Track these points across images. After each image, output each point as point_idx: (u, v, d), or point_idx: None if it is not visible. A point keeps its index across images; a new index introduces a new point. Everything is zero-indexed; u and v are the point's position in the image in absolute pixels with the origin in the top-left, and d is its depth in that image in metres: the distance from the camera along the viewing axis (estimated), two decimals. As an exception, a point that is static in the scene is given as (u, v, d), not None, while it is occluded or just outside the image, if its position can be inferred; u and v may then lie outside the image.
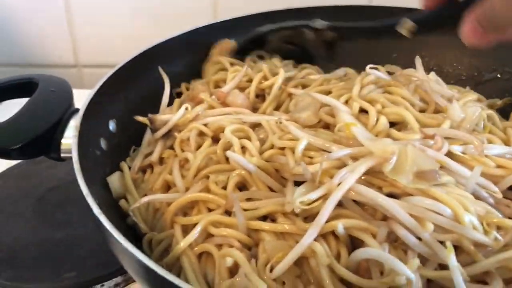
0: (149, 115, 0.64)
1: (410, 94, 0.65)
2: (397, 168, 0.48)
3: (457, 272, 0.43)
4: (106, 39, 1.09)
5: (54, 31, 1.10)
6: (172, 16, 1.06)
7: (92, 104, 0.59)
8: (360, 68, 0.72)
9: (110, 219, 0.44)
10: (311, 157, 0.55)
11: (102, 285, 0.64)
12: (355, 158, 0.52)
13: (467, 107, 0.63)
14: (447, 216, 0.46)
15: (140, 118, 0.67)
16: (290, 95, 0.70)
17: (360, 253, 0.45)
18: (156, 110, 0.70)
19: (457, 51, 0.82)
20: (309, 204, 0.48)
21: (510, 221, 0.48)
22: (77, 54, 1.13)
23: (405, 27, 0.66)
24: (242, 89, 0.70)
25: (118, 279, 0.65)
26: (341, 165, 0.51)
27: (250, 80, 0.71)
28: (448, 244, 0.44)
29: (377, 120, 0.60)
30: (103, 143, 0.60)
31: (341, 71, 0.77)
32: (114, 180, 0.59)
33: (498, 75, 0.79)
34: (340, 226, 0.47)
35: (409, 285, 0.43)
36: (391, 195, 0.48)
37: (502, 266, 0.45)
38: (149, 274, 0.41)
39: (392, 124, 0.62)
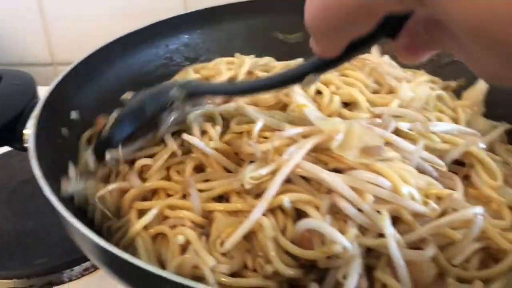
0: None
1: (364, 76, 0.68)
2: (344, 145, 0.51)
3: (391, 239, 0.45)
4: (81, 37, 1.10)
5: (28, 30, 1.12)
6: (146, 11, 1.08)
7: (53, 95, 0.61)
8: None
9: (68, 205, 0.46)
10: (266, 137, 0.57)
11: (72, 270, 0.67)
12: (306, 136, 0.54)
13: (417, 87, 0.66)
14: (387, 188, 0.48)
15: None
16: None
17: (301, 225, 0.48)
18: (117, 102, 0.72)
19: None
20: (258, 179, 0.50)
21: (448, 190, 0.51)
22: (53, 53, 1.15)
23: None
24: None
25: (87, 264, 0.67)
26: (293, 143, 0.54)
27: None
28: (384, 212, 0.46)
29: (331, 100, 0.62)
30: (64, 132, 0.62)
31: (300, 60, 0.80)
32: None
33: (456, 58, 0.81)
34: (286, 200, 0.49)
35: (346, 253, 0.45)
36: (337, 171, 0.51)
37: (437, 233, 0.48)
38: (100, 251, 0.43)
39: (346, 105, 0.64)
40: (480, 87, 0.74)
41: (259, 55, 0.82)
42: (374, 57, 0.72)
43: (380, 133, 0.54)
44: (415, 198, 0.49)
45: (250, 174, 0.51)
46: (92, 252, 0.45)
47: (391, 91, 0.67)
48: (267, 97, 0.64)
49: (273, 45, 0.88)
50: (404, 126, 0.57)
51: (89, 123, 0.66)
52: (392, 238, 0.45)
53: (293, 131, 0.54)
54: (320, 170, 0.50)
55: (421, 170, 0.53)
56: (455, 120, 0.65)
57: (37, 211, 0.75)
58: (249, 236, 0.49)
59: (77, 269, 0.67)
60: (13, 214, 0.75)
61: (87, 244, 0.45)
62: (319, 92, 0.65)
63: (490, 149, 0.63)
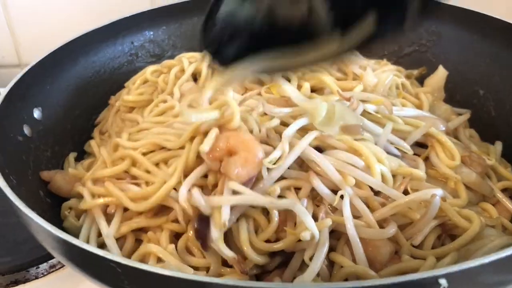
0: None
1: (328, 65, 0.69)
2: (326, 122, 0.53)
3: (348, 220, 0.47)
4: (48, 38, 1.09)
5: (-5, 32, 1.10)
6: (114, 7, 1.07)
7: (14, 91, 0.61)
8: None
9: (22, 195, 0.46)
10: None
11: (37, 267, 0.66)
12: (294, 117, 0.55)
13: (381, 74, 0.68)
14: (360, 168, 0.50)
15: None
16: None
17: (279, 204, 0.48)
18: (81, 100, 0.73)
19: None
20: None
21: (411, 169, 0.53)
22: (20, 54, 1.13)
23: None
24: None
25: (53, 261, 0.67)
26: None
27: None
28: (344, 194, 0.48)
29: (301, 86, 0.63)
30: (26, 130, 0.62)
31: None
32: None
33: (416, 48, 0.83)
34: (278, 189, 0.49)
35: (312, 240, 0.46)
36: (318, 149, 0.52)
37: (397, 213, 0.49)
38: (60, 244, 0.43)
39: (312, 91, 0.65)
40: (441, 74, 0.77)
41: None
42: None
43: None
44: (386, 178, 0.51)
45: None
46: (52, 245, 0.45)
47: (355, 79, 0.68)
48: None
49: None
50: (370, 108, 0.58)
51: (53, 123, 0.66)
52: (348, 218, 0.47)
53: (285, 110, 0.56)
54: (313, 152, 0.51)
55: (387, 152, 0.54)
56: (419, 106, 0.67)
57: (3, 210, 0.73)
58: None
59: (43, 266, 0.66)
60: (-24, 214, 0.74)
61: (48, 239, 0.45)
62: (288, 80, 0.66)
63: (455, 136, 0.65)
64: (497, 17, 0.72)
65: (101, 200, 0.54)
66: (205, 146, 0.50)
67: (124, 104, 0.73)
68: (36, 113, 0.65)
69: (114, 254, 0.40)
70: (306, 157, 0.51)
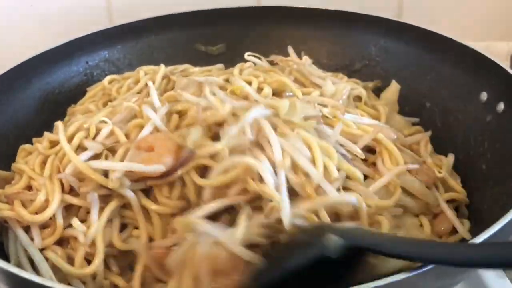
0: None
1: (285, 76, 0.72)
2: (290, 113, 0.56)
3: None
4: (6, 51, 1.07)
5: None
6: (68, 22, 1.05)
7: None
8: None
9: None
10: None
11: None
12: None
13: (339, 84, 0.71)
14: (307, 157, 0.52)
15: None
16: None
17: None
18: (37, 122, 0.72)
19: (330, 44, 0.89)
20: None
21: (352, 167, 0.55)
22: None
23: None
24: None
25: None
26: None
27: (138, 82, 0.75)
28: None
29: (261, 89, 0.66)
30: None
31: (220, 65, 0.85)
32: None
33: (367, 62, 0.87)
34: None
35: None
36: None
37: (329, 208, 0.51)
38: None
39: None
40: (394, 88, 0.80)
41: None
42: (294, 58, 0.76)
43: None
44: (330, 170, 0.53)
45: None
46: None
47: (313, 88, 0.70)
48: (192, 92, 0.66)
49: (196, 57, 0.90)
50: (325, 110, 0.61)
51: (4, 144, 0.66)
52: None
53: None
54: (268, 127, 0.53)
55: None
56: (377, 117, 0.70)
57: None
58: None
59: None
60: None
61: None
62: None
63: (416, 150, 0.67)
64: (440, 32, 0.77)
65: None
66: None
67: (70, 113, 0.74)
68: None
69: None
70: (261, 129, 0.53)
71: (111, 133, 0.56)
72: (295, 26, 0.92)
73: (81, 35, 0.81)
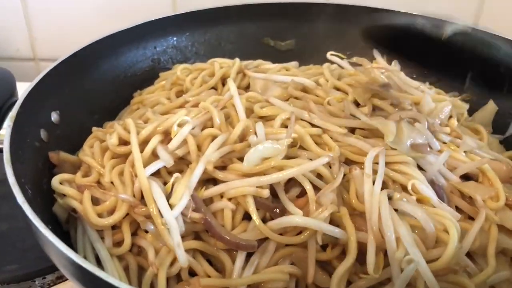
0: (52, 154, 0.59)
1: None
2: (397, 140, 0.52)
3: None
4: (64, 33, 1.07)
5: (11, 24, 1.08)
6: (131, 9, 1.05)
7: (33, 94, 0.58)
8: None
9: (38, 211, 0.44)
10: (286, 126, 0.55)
11: (44, 278, 0.63)
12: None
13: (439, 101, 0.65)
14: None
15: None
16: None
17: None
18: (100, 104, 0.70)
19: (408, 49, 0.83)
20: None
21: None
22: (35, 48, 1.11)
23: None
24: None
25: (60, 272, 0.64)
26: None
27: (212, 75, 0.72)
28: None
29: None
30: (43, 134, 0.59)
31: (294, 63, 0.80)
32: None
33: (446, 74, 0.81)
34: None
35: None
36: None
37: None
38: (73, 266, 0.41)
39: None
40: (491, 107, 0.73)
41: (249, 60, 0.79)
42: (383, 64, 0.72)
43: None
44: None
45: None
46: (65, 266, 0.43)
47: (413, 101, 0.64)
48: (279, 93, 0.63)
49: (263, 50, 0.86)
50: (443, 137, 0.57)
51: (70, 128, 0.64)
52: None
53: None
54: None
55: (433, 183, 0.52)
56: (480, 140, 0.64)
57: (11, 213, 0.71)
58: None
59: (49, 277, 0.63)
60: (-15, 216, 0.71)
61: (60, 259, 0.42)
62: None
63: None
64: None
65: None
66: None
67: (137, 101, 0.71)
68: (54, 117, 0.62)
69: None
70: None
71: (184, 141, 0.52)
72: (371, 27, 0.86)
73: (151, 19, 0.78)
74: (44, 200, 0.53)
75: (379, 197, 0.46)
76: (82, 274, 0.40)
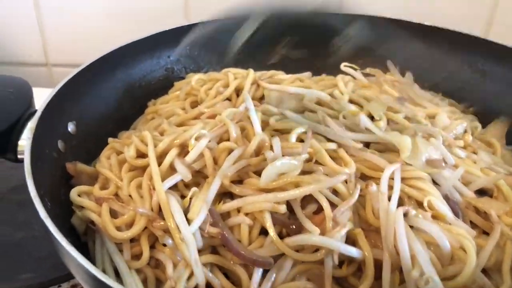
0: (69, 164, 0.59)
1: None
2: (412, 156, 0.53)
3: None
4: (76, 38, 1.08)
5: (24, 29, 1.09)
6: (144, 15, 1.06)
7: (51, 105, 0.59)
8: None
9: (58, 223, 0.45)
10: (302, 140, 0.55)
11: (59, 286, 0.64)
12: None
13: (454, 118, 0.65)
14: None
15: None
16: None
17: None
18: (115, 114, 0.71)
19: (421, 61, 0.83)
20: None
21: None
22: (47, 53, 1.12)
23: None
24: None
25: (75, 280, 0.65)
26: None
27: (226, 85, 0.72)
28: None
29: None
30: (60, 145, 0.60)
31: (307, 74, 0.80)
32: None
33: (460, 85, 0.81)
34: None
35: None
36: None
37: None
38: (93, 281, 0.41)
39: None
40: (504, 120, 0.72)
41: (261, 69, 0.80)
42: (398, 76, 0.72)
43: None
44: None
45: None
46: (86, 281, 0.43)
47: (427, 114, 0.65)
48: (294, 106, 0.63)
49: (275, 59, 0.87)
50: (458, 152, 0.57)
51: (86, 137, 0.64)
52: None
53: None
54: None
55: (448, 198, 0.52)
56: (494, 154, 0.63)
57: (26, 221, 0.72)
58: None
59: (64, 285, 0.64)
60: (1, 223, 0.72)
61: (82, 273, 0.43)
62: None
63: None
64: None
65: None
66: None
67: (151, 110, 0.72)
68: (70, 127, 0.63)
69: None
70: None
71: (201, 155, 0.52)
72: (383, 38, 0.87)
73: (165, 29, 0.79)
74: (62, 211, 0.54)
75: (395, 215, 0.46)
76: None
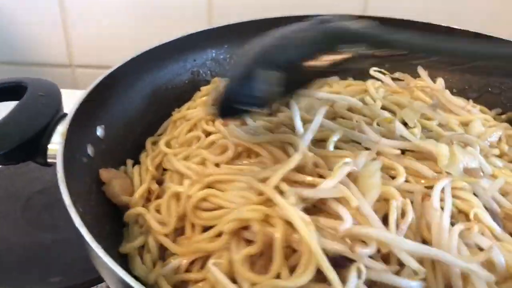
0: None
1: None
2: (450, 164, 0.51)
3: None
4: (100, 40, 1.09)
5: (48, 30, 1.10)
6: (167, 17, 1.06)
7: (81, 109, 0.59)
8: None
9: (93, 230, 0.44)
10: (339, 148, 0.55)
11: (87, 290, 0.64)
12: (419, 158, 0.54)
13: (488, 125, 0.64)
14: None
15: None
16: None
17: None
18: (142, 118, 0.70)
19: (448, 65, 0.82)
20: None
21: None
22: (71, 54, 1.12)
23: None
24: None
25: (103, 285, 0.65)
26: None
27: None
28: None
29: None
30: (90, 150, 0.59)
31: (335, 78, 0.79)
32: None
33: (489, 89, 0.79)
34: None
35: None
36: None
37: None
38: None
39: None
40: None
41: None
42: (429, 82, 0.71)
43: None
44: None
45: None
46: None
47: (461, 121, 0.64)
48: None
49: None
50: (496, 162, 0.56)
51: (114, 141, 0.64)
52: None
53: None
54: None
55: (487, 208, 0.50)
56: None
57: (53, 224, 0.72)
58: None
59: (92, 289, 0.65)
60: (27, 225, 0.73)
61: (114, 279, 0.43)
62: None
63: None
64: None
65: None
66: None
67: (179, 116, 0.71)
68: (99, 131, 0.63)
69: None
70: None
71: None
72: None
73: (191, 32, 0.79)
74: (93, 216, 0.53)
75: (449, 234, 0.44)
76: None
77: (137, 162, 0.66)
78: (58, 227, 0.72)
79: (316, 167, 0.51)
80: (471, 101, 0.74)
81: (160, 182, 0.60)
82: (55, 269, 0.65)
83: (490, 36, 0.78)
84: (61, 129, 0.56)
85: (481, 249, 0.45)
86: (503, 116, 0.74)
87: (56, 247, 0.69)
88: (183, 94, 0.76)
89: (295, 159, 0.49)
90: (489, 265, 0.45)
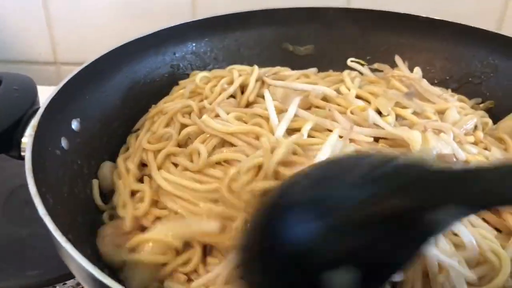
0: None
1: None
2: (423, 150, 0.52)
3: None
4: (85, 37, 1.09)
5: (33, 27, 1.09)
6: (152, 13, 1.06)
7: (54, 102, 0.58)
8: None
9: (59, 221, 0.44)
10: (313, 136, 0.56)
11: (65, 284, 0.64)
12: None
13: (464, 113, 0.64)
14: None
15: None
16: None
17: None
18: (119, 111, 0.70)
19: (429, 55, 0.82)
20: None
21: None
22: (56, 52, 1.12)
23: None
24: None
25: (80, 278, 0.64)
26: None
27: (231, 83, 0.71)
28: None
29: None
30: (64, 143, 0.59)
31: (313, 69, 0.80)
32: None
33: (470, 79, 0.79)
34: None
35: None
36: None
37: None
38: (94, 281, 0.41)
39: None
40: None
41: (268, 65, 0.79)
42: (406, 71, 0.71)
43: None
44: None
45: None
46: (85, 280, 0.43)
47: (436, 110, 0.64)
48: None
49: (282, 56, 0.86)
50: (469, 149, 0.56)
51: (90, 135, 0.64)
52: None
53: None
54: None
55: None
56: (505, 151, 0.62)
57: (33, 218, 0.71)
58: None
59: (70, 283, 0.64)
60: (8, 220, 0.72)
61: (81, 272, 0.43)
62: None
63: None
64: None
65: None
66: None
67: (156, 111, 0.70)
68: (74, 124, 0.63)
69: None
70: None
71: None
72: (389, 32, 0.85)
73: (171, 25, 0.79)
74: (65, 208, 0.53)
75: None
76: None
77: (113, 155, 0.67)
78: (36, 222, 0.71)
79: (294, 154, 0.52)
80: (449, 90, 0.74)
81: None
82: (33, 262, 0.65)
83: (475, 27, 0.79)
84: (33, 122, 0.56)
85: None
86: (481, 105, 0.74)
87: (35, 241, 0.68)
88: (162, 88, 0.76)
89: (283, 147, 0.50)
90: (463, 250, 0.45)
